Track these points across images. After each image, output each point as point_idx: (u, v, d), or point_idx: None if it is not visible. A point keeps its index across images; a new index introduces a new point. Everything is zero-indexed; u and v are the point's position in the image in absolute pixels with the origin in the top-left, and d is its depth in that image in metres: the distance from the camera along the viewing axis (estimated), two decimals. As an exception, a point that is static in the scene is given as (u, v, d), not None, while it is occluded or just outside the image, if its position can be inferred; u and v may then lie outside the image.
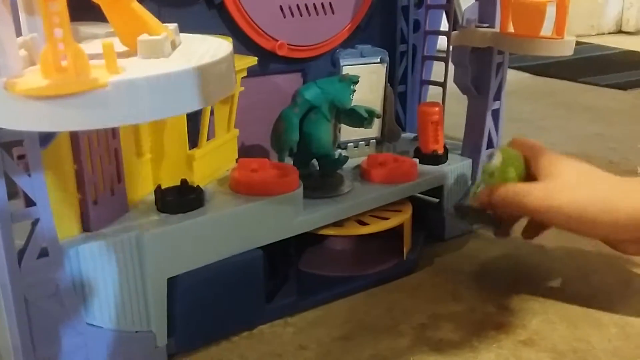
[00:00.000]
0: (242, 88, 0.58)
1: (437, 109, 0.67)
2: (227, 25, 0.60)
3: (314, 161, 0.62)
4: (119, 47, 0.30)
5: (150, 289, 0.46)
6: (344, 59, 0.66)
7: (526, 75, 1.59)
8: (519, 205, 0.52)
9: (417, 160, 0.66)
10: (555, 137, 1.07)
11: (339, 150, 0.66)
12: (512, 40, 0.61)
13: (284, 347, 0.50)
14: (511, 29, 0.62)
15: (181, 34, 0.32)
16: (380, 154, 0.68)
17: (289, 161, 0.60)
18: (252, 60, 0.58)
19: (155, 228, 0.46)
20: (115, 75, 0.26)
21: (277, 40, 0.64)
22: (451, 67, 0.70)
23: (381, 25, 0.73)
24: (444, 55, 0.72)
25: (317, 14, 0.66)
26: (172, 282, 0.48)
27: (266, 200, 0.52)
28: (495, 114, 0.69)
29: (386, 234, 0.60)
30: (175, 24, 0.32)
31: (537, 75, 1.59)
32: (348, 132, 0.68)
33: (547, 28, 0.61)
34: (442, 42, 0.76)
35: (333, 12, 0.67)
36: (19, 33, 0.29)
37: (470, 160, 0.69)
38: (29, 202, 0.40)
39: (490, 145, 0.70)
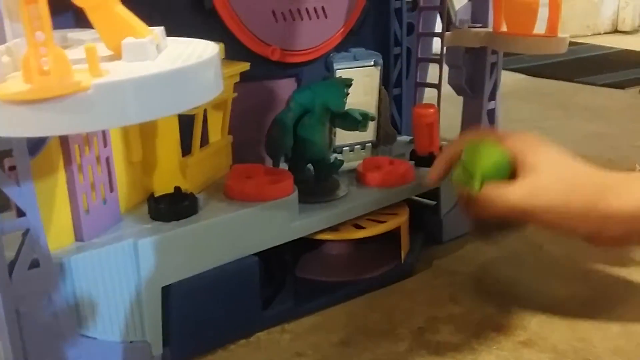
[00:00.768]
0: (236, 94, 0.58)
1: (432, 110, 0.66)
2: (219, 31, 0.60)
3: (309, 166, 0.61)
4: (105, 51, 0.30)
5: (144, 298, 0.46)
6: (337, 62, 0.66)
7: (522, 76, 1.59)
8: (503, 207, 0.48)
9: (413, 162, 0.66)
10: (554, 137, 1.06)
11: (334, 155, 0.66)
12: (505, 39, 0.61)
13: (280, 355, 0.50)
14: (504, 28, 0.61)
15: (168, 38, 0.32)
16: (375, 157, 0.67)
17: (283, 166, 0.59)
18: (244, 66, 0.58)
19: (149, 236, 0.46)
20: (99, 78, 0.25)
21: (271, 46, 0.64)
22: (445, 68, 0.70)
23: (374, 28, 0.73)
24: (439, 57, 0.72)
25: (310, 18, 0.66)
26: (166, 290, 0.47)
27: (261, 205, 0.52)
28: (491, 114, 0.69)
29: (383, 237, 0.60)
30: (162, 27, 0.31)
31: (534, 76, 1.59)
32: (343, 136, 0.68)
33: (541, 27, 0.60)
34: (437, 44, 0.76)
35: (326, 16, 0.67)
36: (2, 40, 0.29)
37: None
38: (19, 213, 0.39)
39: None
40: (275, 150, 0.59)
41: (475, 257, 0.65)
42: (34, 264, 0.40)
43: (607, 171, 0.49)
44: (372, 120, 0.63)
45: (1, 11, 0.30)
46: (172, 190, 0.51)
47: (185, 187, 0.52)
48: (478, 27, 0.65)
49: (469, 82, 0.67)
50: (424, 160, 0.67)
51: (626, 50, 1.91)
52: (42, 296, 0.40)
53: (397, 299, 0.58)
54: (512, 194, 0.47)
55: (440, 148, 0.68)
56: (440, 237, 0.68)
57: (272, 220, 0.53)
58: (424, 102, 0.79)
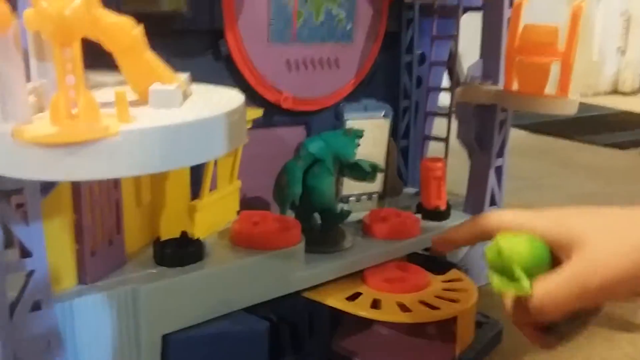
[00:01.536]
0: (247, 140, 0.58)
1: (440, 164, 0.66)
2: (233, 76, 0.60)
3: (316, 215, 0.61)
4: (130, 96, 0.30)
5: (144, 344, 0.44)
6: (348, 112, 0.66)
7: (523, 133, 1.61)
8: (562, 302, 0.37)
9: (419, 215, 0.66)
10: (553, 195, 1.07)
11: (341, 205, 0.65)
12: (516, 98, 0.62)
13: None
14: (515, 87, 0.62)
15: (193, 85, 0.32)
16: (382, 208, 0.67)
17: (290, 214, 0.59)
18: (258, 112, 0.58)
19: (152, 282, 0.45)
20: (127, 124, 0.25)
21: (282, 93, 0.64)
22: (453, 123, 0.70)
23: (385, 80, 0.74)
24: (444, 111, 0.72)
25: (322, 68, 0.67)
26: (167, 339, 0.46)
27: (267, 254, 0.51)
28: (499, 171, 0.69)
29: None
30: (187, 74, 0.31)
31: (534, 132, 1.61)
32: (350, 186, 0.68)
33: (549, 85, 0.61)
34: (443, 98, 0.77)
35: (338, 67, 0.68)
36: (28, 79, 0.29)
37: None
38: (25, 253, 0.38)
39: (492, 202, 0.69)
40: (284, 198, 0.58)
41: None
42: (36, 307, 0.39)
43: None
44: (381, 172, 0.63)
45: (28, 49, 0.30)
46: (179, 234, 0.50)
47: (193, 231, 0.51)
48: (489, 84, 0.66)
49: (478, 137, 0.67)
50: (430, 213, 0.66)
51: (626, 111, 1.94)
52: (43, 340, 0.39)
53: None
54: (566, 282, 0.37)
55: (447, 202, 0.67)
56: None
57: (278, 270, 0.52)
58: (428, 155, 0.79)
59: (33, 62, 0.29)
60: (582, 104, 2.00)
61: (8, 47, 0.25)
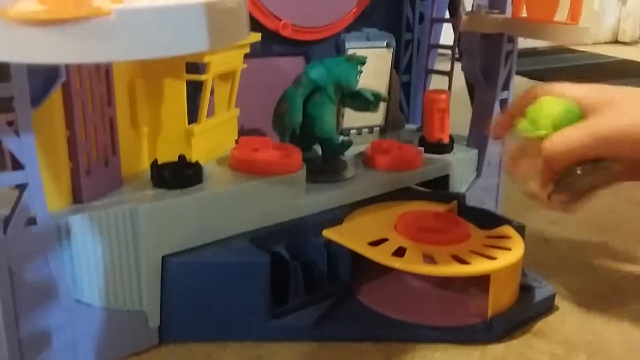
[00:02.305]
0: (245, 65, 0.56)
1: (444, 96, 0.65)
2: (230, 0, 0.57)
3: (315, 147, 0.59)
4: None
5: (143, 266, 0.44)
6: (349, 41, 0.64)
7: (524, 79, 1.58)
8: (573, 143, 0.42)
9: (421, 148, 0.64)
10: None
11: (342, 137, 0.64)
12: (524, 25, 0.60)
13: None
14: (524, 14, 0.60)
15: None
16: (384, 140, 0.65)
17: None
18: (256, 37, 0.56)
19: (151, 202, 0.44)
20: (119, 4, 0.23)
21: (281, 20, 0.62)
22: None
23: (387, 12, 0.71)
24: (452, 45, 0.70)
25: (323, -5, 0.64)
26: (167, 261, 0.45)
27: (268, 179, 0.49)
28: (504, 104, 0.67)
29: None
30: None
31: (535, 80, 1.58)
32: (351, 119, 0.66)
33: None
34: (445, 33, 0.75)
35: (339, -5, 0.65)
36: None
37: (476, 151, 0.67)
38: (17, 166, 0.37)
39: (496, 136, 0.68)
40: (284, 127, 0.57)
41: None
42: (31, 222, 0.38)
43: None
44: (384, 102, 0.61)
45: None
46: (176, 159, 0.49)
47: (190, 156, 0.50)
48: (496, 13, 0.63)
49: (483, 69, 0.65)
50: (433, 146, 0.65)
51: (627, 60, 1.91)
52: (38, 256, 0.38)
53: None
54: (582, 127, 0.42)
55: (450, 136, 0.66)
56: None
57: (279, 196, 0.51)
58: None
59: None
60: (582, 52, 1.97)
61: None
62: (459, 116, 0.70)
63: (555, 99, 0.45)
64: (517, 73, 1.74)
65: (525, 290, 0.52)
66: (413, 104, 0.76)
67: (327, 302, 0.50)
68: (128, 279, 0.43)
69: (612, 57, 1.95)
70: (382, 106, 0.66)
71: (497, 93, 0.66)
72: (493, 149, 0.68)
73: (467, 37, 0.65)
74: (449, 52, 0.72)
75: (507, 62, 0.65)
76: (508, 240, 0.52)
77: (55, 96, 0.39)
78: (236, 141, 0.57)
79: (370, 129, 0.68)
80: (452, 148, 0.66)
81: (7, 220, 0.37)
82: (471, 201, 0.65)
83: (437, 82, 0.74)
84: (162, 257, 0.44)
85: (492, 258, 0.48)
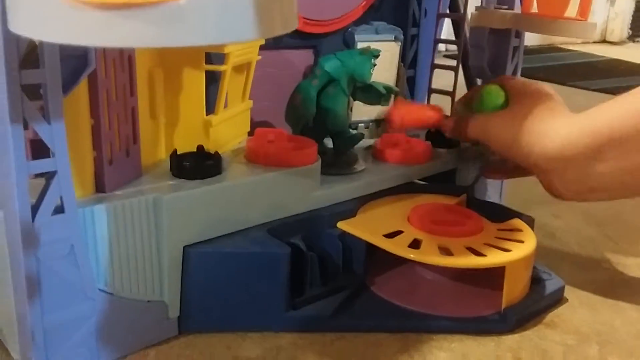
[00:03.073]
0: (260, 57, 0.56)
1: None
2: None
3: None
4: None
5: (165, 256, 0.44)
6: (359, 34, 0.65)
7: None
8: (462, 133, 0.57)
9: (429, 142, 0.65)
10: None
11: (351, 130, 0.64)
12: (533, 20, 0.60)
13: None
14: (534, 10, 0.60)
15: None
16: (393, 134, 0.66)
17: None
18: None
19: (173, 192, 0.44)
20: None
21: (293, 12, 0.62)
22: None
23: (394, 6, 0.72)
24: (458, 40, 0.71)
25: (333, -12, 0.64)
26: (188, 251, 0.45)
27: (286, 170, 0.50)
28: (509, 99, 0.68)
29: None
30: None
31: (528, 77, 1.60)
32: (359, 112, 0.67)
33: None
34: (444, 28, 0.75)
35: (349, -11, 0.66)
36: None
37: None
38: (40, 155, 0.37)
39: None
40: (297, 119, 0.57)
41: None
42: (58, 210, 0.38)
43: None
44: (396, 95, 0.62)
45: None
46: (193, 149, 0.49)
47: (208, 146, 0.50)
48: (504, 9, 0.64)
49: (490, 64, 0.66)
50: (440, 140, 0.66)
51: (615, 59, 1.94)
52: (65, 244, 0.38)
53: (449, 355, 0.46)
54: (472, 122, 0.56)
55: None
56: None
57: (295, 188, 0.51)
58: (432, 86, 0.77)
59: None
60: (572, 51, 2.00)
61: None
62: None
63: (492, 88, 0.57)
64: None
65: (536, 282, 0.53)
66: (417, 98, 0.77)
67: (343, 293, 0.50)
68: (150, 269, 0.43)
69: (601, 56, 1.98)
70: (392, 98, 0.67)
71: (504, 88, 0.66)
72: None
73: (476, 32, 0.66)
74: (443, 48, 0.73)
75: (514, 57, 0.66)
76: (520, 233, 0.53)
77: (81, 85, 0.39)
78: (249, 133, 0.57)
79: (378, 123, 0.69)
80: (459, 142, 0.67)
81: (35, 208, 0.37)
82: (477, 195, 0.66)
83: (438, 77, 0.75)
84: (183, 248, 0.45)
85: (507, 250, 0.49)
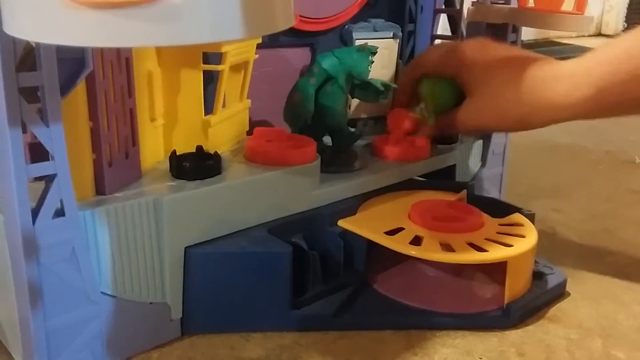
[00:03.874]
0: (257, 56, 0.56)
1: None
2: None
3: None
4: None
5: (167, 257, 0.43)
6: (357, 32, 0.64)
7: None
8: (454, 131, 0.60)
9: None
10: (551, 129, 1.07)
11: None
12: (529, 15, 0.60)
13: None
14: (530, 5, 0.60)
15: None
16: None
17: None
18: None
19: (173, 193, 0.43)
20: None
21: (289, 11, 0.61)
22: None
23: (390, 3, 0.71)
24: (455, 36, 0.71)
25: (330, -15, 0.64)
26: (189, 252, 0.45)
27: (286, 169, 0.50)
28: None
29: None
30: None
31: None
32: (358, 110, 0.66)
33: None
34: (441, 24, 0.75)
35: (345, -15, 0.65)
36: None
37: (481, 141, 0.68)
38: (40, 158, 0.37)
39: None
40: (296, 117, 0.57)
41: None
42: (59, 213, 0.37)
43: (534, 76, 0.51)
44: (393, 92, 0.61)
45: None
46: (192, 150, 0.48)
47: (207, 146, 0.49)
48: (500, 4, 0.64)
49: (488, 59, 0.66)
50: (439, 137, 0.65)
51: (610, 52, 1.94)
52: (66, 248, 0.38)
53: (451, 350, 0.46)
54: (454, 121, 0.57)
55: None
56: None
57: (295, 187, 0.51)
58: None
59: None
60: (567, 45, 2.00)
61: None
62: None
63: (439, 82, 0.58)
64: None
65: (538, 276, 0.53)
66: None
67: (345, 291, 0.50)
68: (151, 271, 0.43)
69: (596, 49, 1.98)
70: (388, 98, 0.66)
71: (502, 83, 0.66)
72: (497, 138, 0.69)
73: (473, 27, 0.66)
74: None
75: (511, 52, 0.66)
76: (521, 228, 0.53)
77: (79, 87, 0.39)
78: (248, 132, 0.57)
79: (376, 120, 0.68)
80: (458, 137, 0.67)
81: (35, 212, 0.36)
82: (476, 191, 0.66)
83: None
84: (185, 249, 0.44)
85: (508, 245, 0.49)
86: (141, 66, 0.46)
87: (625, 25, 2.38)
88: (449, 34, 0.73)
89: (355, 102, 0.64)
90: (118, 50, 0.41)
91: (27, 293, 0.37)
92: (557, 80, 0.49)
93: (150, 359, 0.44)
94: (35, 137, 0.36)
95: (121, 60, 0.42)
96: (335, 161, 0.58)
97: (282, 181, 0.50)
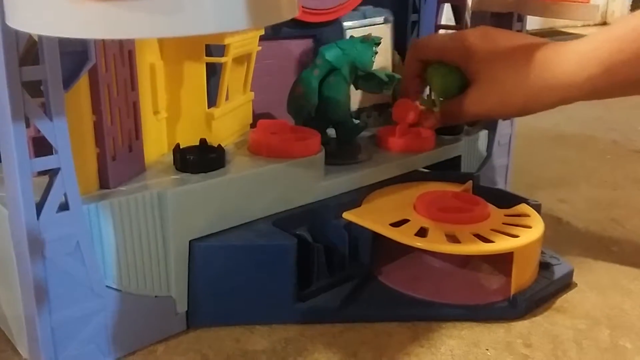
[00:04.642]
0: (260, 48, 0.56)
1: None
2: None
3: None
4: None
5: (171, 250, 0.43)
6: (346, 21, 0.64)
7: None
8: (459, 119, 0.57)
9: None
10: (557, 119, 1.07)
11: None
12: (535, 3, 0.60)
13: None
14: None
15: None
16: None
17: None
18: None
19: (177, 187, 0.43)
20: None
21: (291, 2, 0.61)
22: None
23: (394, -7, 0.71)
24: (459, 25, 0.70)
25: (332, -24, 0.64)
26: (193, 245, 0.45)
27: (290, 162, 0.49)
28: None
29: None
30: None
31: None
32: (362, 101, 0.66)
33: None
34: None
35: (348, -24, 0.65)
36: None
37: (486, 131, 0.68)
38: (44, 152, 0.36)
39: (506, 116, 0.69)
40: (299, 109, 0.57)
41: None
42: (63, 207, 0.37)
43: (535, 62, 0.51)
44: (397, 82, 0.61)
45: None
46: (196, 143, 0.48)
47: (210, 139, 0.49)
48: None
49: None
50: (444, 127, 0.65)
51: (616, 41, 1.92)
52: (70, 241, 0.38)
53: (457, 342, 0.46)
54: (459, 108, 0.55)
55: None
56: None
57: (299, 179, 0.50)
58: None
59: None
60: (572, 34, 1.99)
61: None
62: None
63: (443, 70, 0.57)
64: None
65: (544, 267, 0.53)
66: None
67: (350, 283, 0.50)
68: (156, 265, 0.43)
69: (601, 38, 1.97)
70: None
71: (507, 73, 0.66)
72: (503, 129, 0.68)
73: (478, 16, 0.65)
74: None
75: (516, 42, 0.66)
76: (527, 219, 0.52)
77: (82, 81, 0.39)
78: (252, 125, 0.57)
79: (380, 111, 0.68)
80: (463, 128, 0.66)
81: (39, 206, 0.36)
82: (482, 181, 0.65)
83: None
84: (189, 242, 0.44)
85: (514, 236, 0.49)
86: (144, 59, 0.46)
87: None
88: (453, 23, 0.72)
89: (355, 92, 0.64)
90: (121, 44, 0.41)
91: (32, 287, 0.37)
92: (564, 59, 0.48)
93: (156, 352, 0.44)
94: (39, 131, 0.36)
95: (124, 54, 0.42)
96: (340, 153, 0.57)
97: (286, 174, 0.49)
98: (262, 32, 0.55)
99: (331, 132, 0.59)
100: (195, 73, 0.49)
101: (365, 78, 0.59)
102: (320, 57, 0.56)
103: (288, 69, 0.63)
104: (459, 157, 0.65)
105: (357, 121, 0.60)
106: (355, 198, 0.54)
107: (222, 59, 0.49)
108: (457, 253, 0.49)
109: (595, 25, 2.31)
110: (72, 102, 0.38)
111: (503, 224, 0.51)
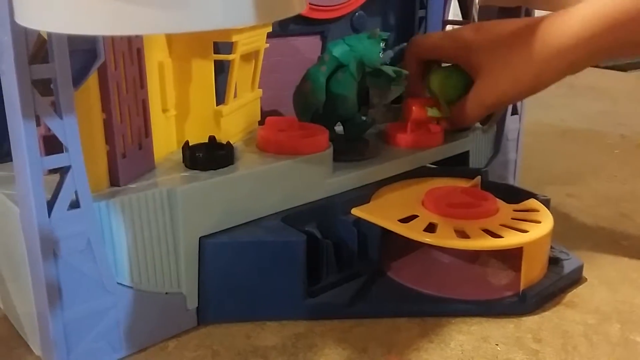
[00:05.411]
0: (268, 45, 0.56)
1: None
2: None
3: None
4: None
5: (182, 247, 0.44)
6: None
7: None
8: (473, 118, 0.58)
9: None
10: (564, 114, 1.06)
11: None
12: (543, -2, 0.60)
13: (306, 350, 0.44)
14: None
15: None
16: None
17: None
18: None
19: (188, 183, 0.43)
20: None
21: (299, -2, 0.61)
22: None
23: (401, -11, 0.71)
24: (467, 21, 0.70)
25: (339, -28, 0.64)
26: (204, 242, 0.45)
27: (299, 159, 0.49)
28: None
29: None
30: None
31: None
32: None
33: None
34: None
35: (355, -28, 0.65)
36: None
37: (494, 126, 0.67)
38: (55, 150, 0.37)
39: (514, 111, 0.68)
40: (307, 106, 0.56)
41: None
42: (74, 205, 0.38)
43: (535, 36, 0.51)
44: (406, 78, 0.61)
45: None
46: (205, 140, 0.48)
47: (219, 136, 0.49)
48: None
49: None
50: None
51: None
52: (82, 239, 0.38)
53: (467, 337, 0.45)
54: (470, 105, 0.56)
55: None
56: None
57: (308, 175, 0.50)
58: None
59: None
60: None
61: None
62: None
63: (445, 72, 0.59)
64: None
65: (554, 262, 0.53)
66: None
67: (359, 279, 0.50)
68: (167, 261, 0.43)
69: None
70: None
71: (515, 68, 0.66)
72: (511, 124, 0.68)
73: (486, 11, 0.65)
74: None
75: (524, 36, 0.65)
76: (536, 214, 0.52)
77: (92, 79, 0.39)
78: (260, 122, 0.57)
79: (387, 106, 0.68)
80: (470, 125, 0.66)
81: (50, 204, 0.37)
82: (490, 177, 0.65)
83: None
84: (199, 238, 0.44)
85: (524, 231, 0.49)
86: (152, 57, 0.46)
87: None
88: (460, 19, 0.72)
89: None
90: (129, 41, 0.41)
91: (44, 285, 0.37)
92: (567, 23, 0.49)
93: (167, 349, 0.44)
94: (49, 129, 0.36)
95: (133, 52, 0.42)
96: (348, 150, 0.57)
97: (294, 170, 0.49)
98: (270, 29, 0.55)
99: (339, 128, 0.59)
100: (204, 71, 0.49)
101: (373, 74, 0.58)
102: (328, 53, 0.56)
103: (296, 66, 0.63)
104: (467, 152, 0.65)
105: (364, 117, 0.60)
106: (364, 194, 0.54)
107: (230, 57, 0.49)
108: (466, 248, 0.49)
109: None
110: (81, 100, 0.38)
111: (512, 219, 0.51)
